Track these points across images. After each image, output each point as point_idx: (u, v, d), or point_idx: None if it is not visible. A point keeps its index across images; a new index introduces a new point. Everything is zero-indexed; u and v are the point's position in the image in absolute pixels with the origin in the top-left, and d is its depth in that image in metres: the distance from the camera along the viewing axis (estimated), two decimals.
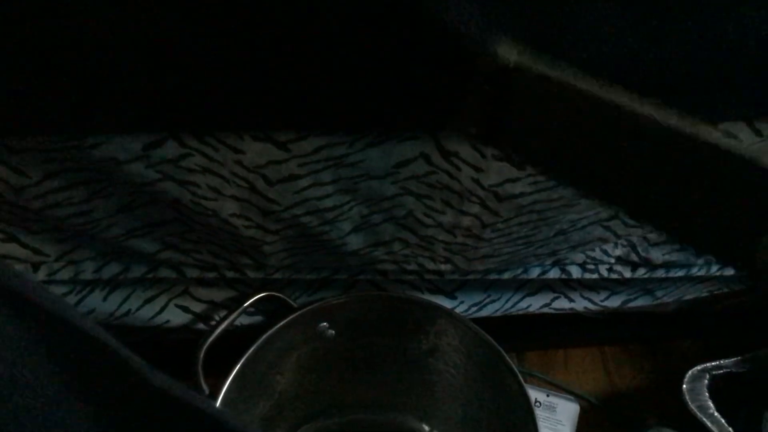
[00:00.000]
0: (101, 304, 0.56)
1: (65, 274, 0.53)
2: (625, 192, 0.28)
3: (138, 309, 0.58)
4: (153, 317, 0.59)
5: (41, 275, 0.52)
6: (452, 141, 0.46)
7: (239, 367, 0.57)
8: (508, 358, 0.60)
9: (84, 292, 0.55)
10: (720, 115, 0.47)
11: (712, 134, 0.24)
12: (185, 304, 0.59)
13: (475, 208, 0.50)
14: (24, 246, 0.51)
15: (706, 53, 0.42)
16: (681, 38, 0.41)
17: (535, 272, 0.61)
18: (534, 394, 0.73)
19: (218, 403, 0.54)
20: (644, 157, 0.26)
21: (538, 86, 0.27)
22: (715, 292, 0.69)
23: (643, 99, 0.25)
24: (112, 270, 0.54)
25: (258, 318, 0.62)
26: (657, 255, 0.60)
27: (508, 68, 0.27)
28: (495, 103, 0.29)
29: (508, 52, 0.27)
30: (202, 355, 0.56)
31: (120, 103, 0.41)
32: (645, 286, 0.67)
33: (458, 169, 0.47)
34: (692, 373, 0.69)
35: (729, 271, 0.63)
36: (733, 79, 0.44)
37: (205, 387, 0.56)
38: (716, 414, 0.66)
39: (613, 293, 0.67)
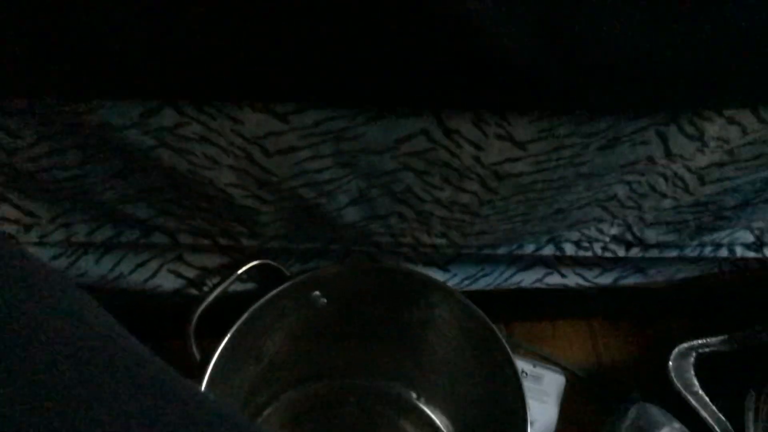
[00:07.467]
0: (93, 266, 0.56)
1: (57, 236, 0.52)
2: None
3: (130, 273, 0.58)
4: (145, 281, 0.58)
5: (33, 237, 0.52)
6: (454, 118, 0.45)
7: (231, 334, 0.56)
8: (498, 332, 0.60)
9: (76, 255, 0.55)
10: (725, 103, 0.46)
11: None
12: (178, 269, 0.59)
13: (474, 186, 0.50)
14: (16, 207, 0.50)
15: (711, 42, 0.41)
16: (686, 29, 0.40)
17: (529, 248, 0.61)
18: (521, 364, 0.73)
19: (209, 369, 0.54)
20: None
21: None
22: (706, 273, 0.69)
23: None
24: (105, 233, 0.54)
25: (251, 285, 0.62)
26: (651, 235, 0.60)
27: None
28: None
29: None
30: (194, 321, 0.56)
31: (117, 70, 0.40)
32: (638, 265, 0.67)
33: (459, 146, 0.46)
34: (678, 350, 0.69)
35: (721, 253, 0.63)
36: (736, 67, 0.44)
37: (196, 353, 0.56)
38: (701, 392, 0.67)
39: (606, 270, 0.68)
